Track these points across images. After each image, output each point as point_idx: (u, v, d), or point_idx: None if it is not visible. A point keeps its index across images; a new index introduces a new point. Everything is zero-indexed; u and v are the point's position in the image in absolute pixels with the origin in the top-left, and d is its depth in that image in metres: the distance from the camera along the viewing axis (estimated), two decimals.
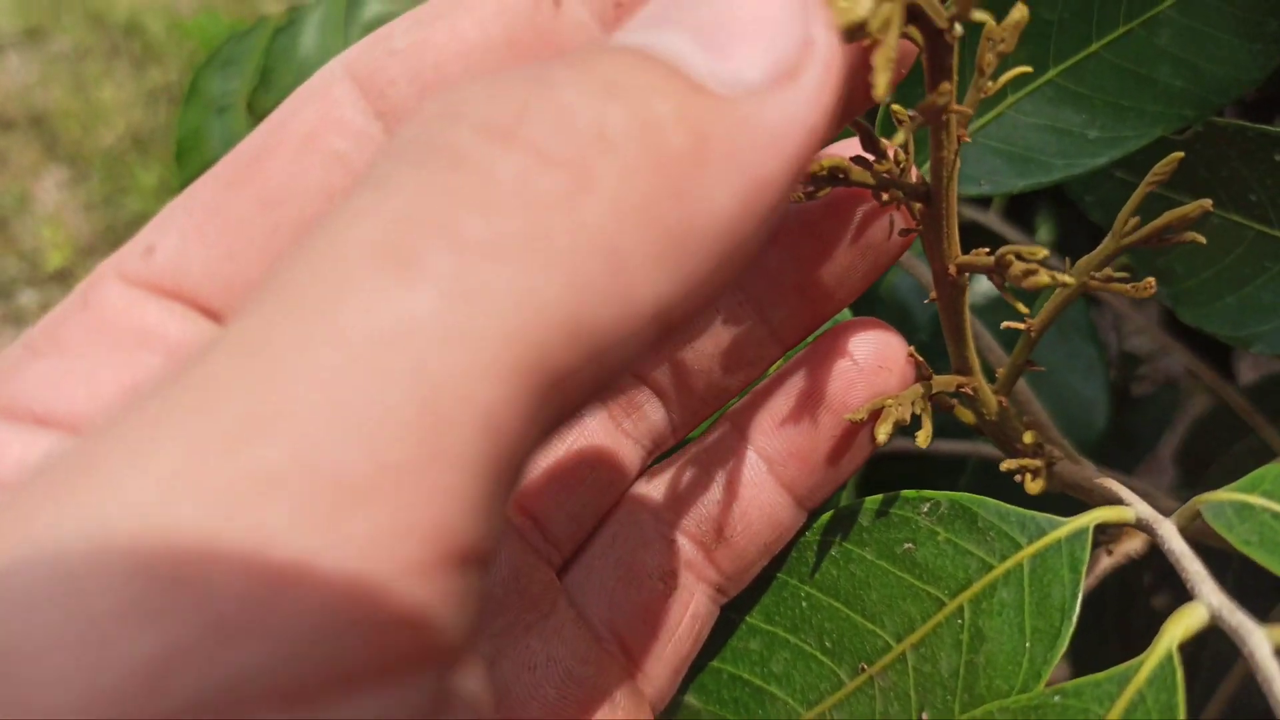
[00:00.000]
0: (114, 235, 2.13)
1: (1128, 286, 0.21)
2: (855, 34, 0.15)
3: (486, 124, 0.12)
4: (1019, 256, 0.18)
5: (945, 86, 0.17)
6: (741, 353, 0.22)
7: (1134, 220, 0.21)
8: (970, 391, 0.24)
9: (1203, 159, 0.30)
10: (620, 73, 0.13)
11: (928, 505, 0.21)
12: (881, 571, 0.21)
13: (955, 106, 0.18)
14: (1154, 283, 0.20)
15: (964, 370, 0.23)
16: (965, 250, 0.21)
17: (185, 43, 2.56)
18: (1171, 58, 0.28)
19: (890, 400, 0.21)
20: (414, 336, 0.11)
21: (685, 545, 0.22)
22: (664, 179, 0.12)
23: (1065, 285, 0.18)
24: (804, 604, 0.22)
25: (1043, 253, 0.18)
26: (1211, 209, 0.19)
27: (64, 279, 2.07)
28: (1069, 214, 0.54)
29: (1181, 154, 0.20)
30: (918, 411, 0.21)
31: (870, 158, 0.20)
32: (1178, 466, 0.56)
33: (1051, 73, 0.29)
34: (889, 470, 0.39)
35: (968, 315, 0.22)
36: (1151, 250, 0.32)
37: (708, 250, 0.13)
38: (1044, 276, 0.18)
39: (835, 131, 0.19)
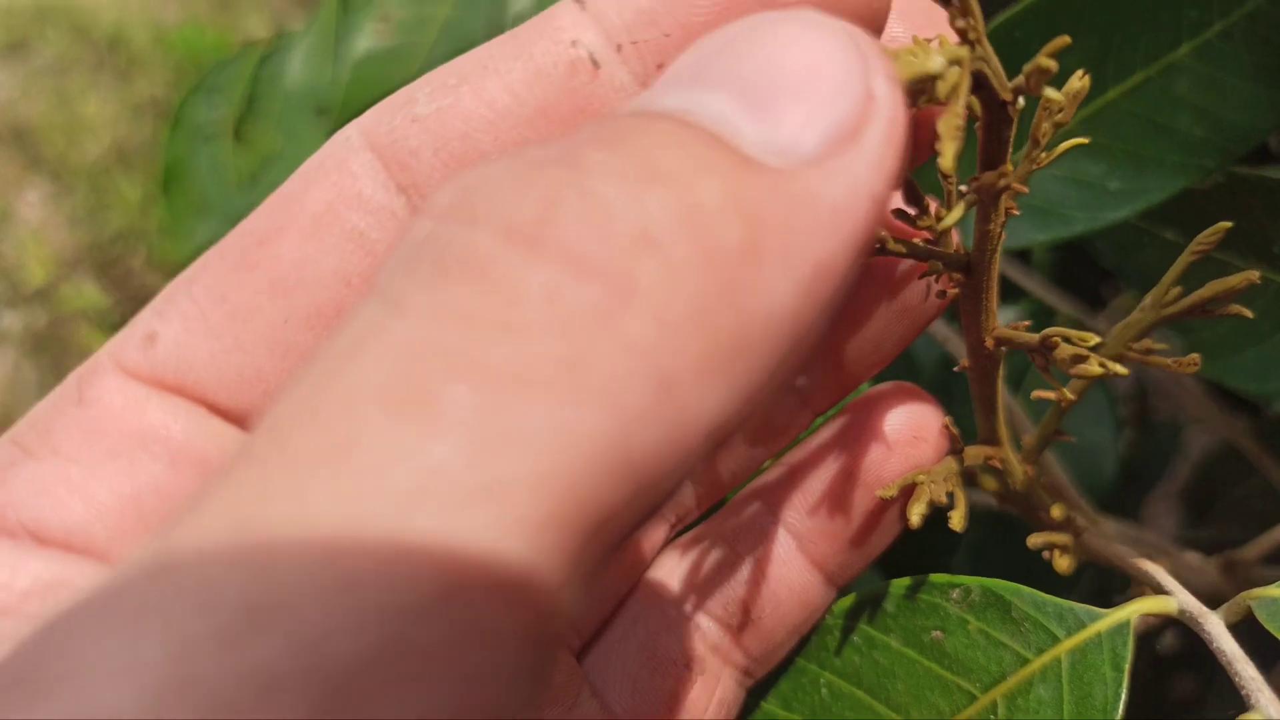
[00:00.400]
0: (98, 251, 2.12)
1: (1170, 361, 0.20)
2: (920, 91, 0.14)
3: (509, 226, 0.11)
4: (1066, 339, 0.17)
5: (1006, 168, 0.16)
6: (770, 422, 0.21)
7: (1176, 290, 0.20)
8: (998, 464, 0.23)
9: (1224, 209, 0.29)
10: (660, 149, 0.11)
11: (958, 591, 0.20)
12: (908, 660, 0.20)
13: (1015, 185, 0.17)
14: (1199, 358, 0.19)
15: (992, 441, 0.23)
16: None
17: (170, 55, 2.55)
18: (1190, 106, 0.28)
19: (923, 476, 0.20)
20: (433, 498, 0.09)
21: (710, 628, 0.21)
22: (716, 279, 0.11)
23: (1118, 375, 0.17)
24: (824, 691, 0.21)
25: (1094, 339, 0.17)
26: (1258, 281, 0.19)
27: (47, 296, 2.05)
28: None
29: (1230, 224, 0.19)
30: (951, 489, 0.20)
31: (912, 212, 0.20)
32: (1184, 504, 0.55)
33: (1070, 122, 0.28)
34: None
35: (1001, 388, 0.21)
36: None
37: (769, 353, 0.11)
38: (1095, 366, 0.17)
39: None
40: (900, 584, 0.21)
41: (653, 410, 0.10)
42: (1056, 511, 0.23)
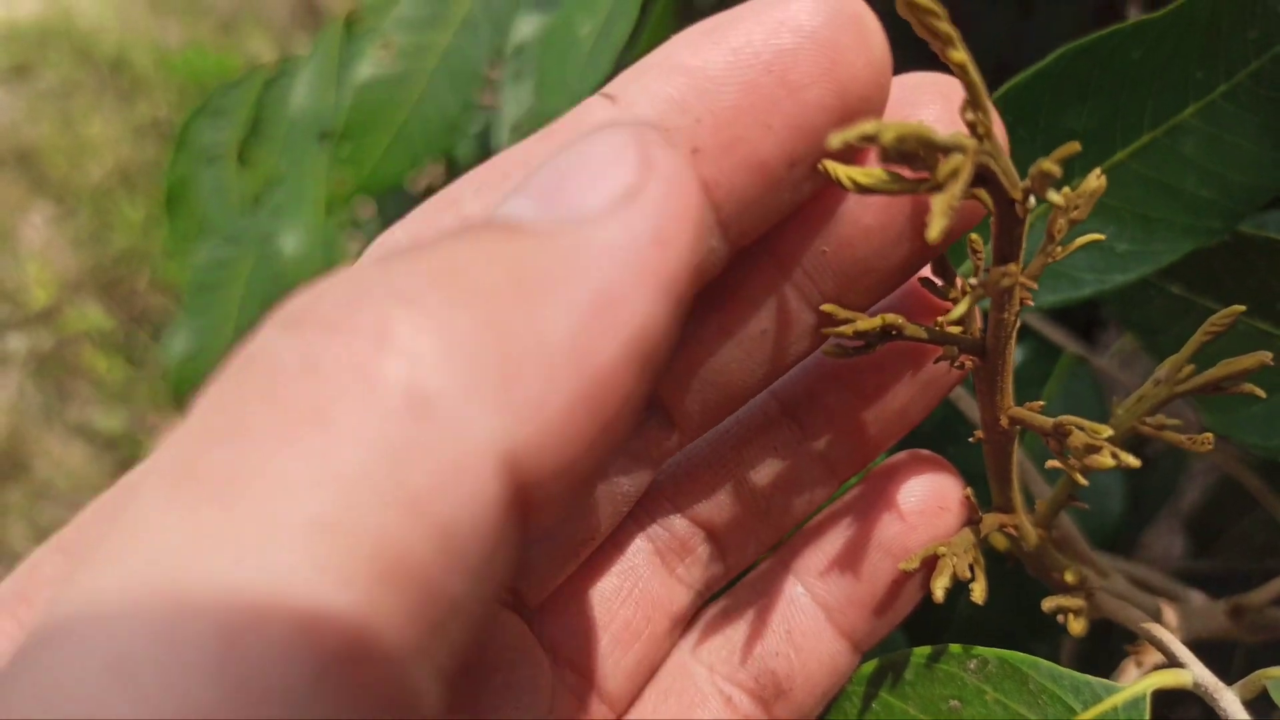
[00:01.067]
0: (101, 272, 2.12)
1: (1184, 438, 0.20)
2: (912, 154, 0.15)
3: (286, 319, 0.12)
4: (1080, 428, 0.18)
5: (1012, 268, 0.17)
6: (797, 489, 0.22)
7: (1189, 368, 0.21)
8: (1013, 530, 0.23)
9: (1230, 268, 0.30)
10: (456, 251, 0.13)
11: (975, 661, 0.21)
12: None
13: (1022, 280, 0.17)
14: (1212, 438, 0.20)
15: (1006, 509, 0.23)
16: None
17: (173, 78, 2.57)
18: (1197, 167, 0.28)
19: (944, 549, 0.21)
20: (221, 548, 0.11)
21: (743, 701, 0.21)
22: (474, 317, 0.12)
23: (1130, 466, 0.18)
24: None
25: (1107, 432, 0.18)
26: (1270, 362, 0.19)
27: (51, 317, 2.03)
28: None
29: (1242, 308, 0.20)
30: (971, 561, 0.21)
31: (939, 283, 0.20)
32: (1188, 535, 0.56)
33: (1078, 182, 0.29)
34: None
35: (1016, 459, 0.22)
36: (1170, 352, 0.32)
37: (550, 377, 0.12)
38: (1107, 457, 0.18)
39: (733, 245, 0.18)
40: (920, 653, 0.21)
41: (415, 437, 0.11)
42: (1070, 577, 0.24)
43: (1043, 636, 0.39)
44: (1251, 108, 0.28)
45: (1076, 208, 0.18)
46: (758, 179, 0.17)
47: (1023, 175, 0.29)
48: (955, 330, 0.20)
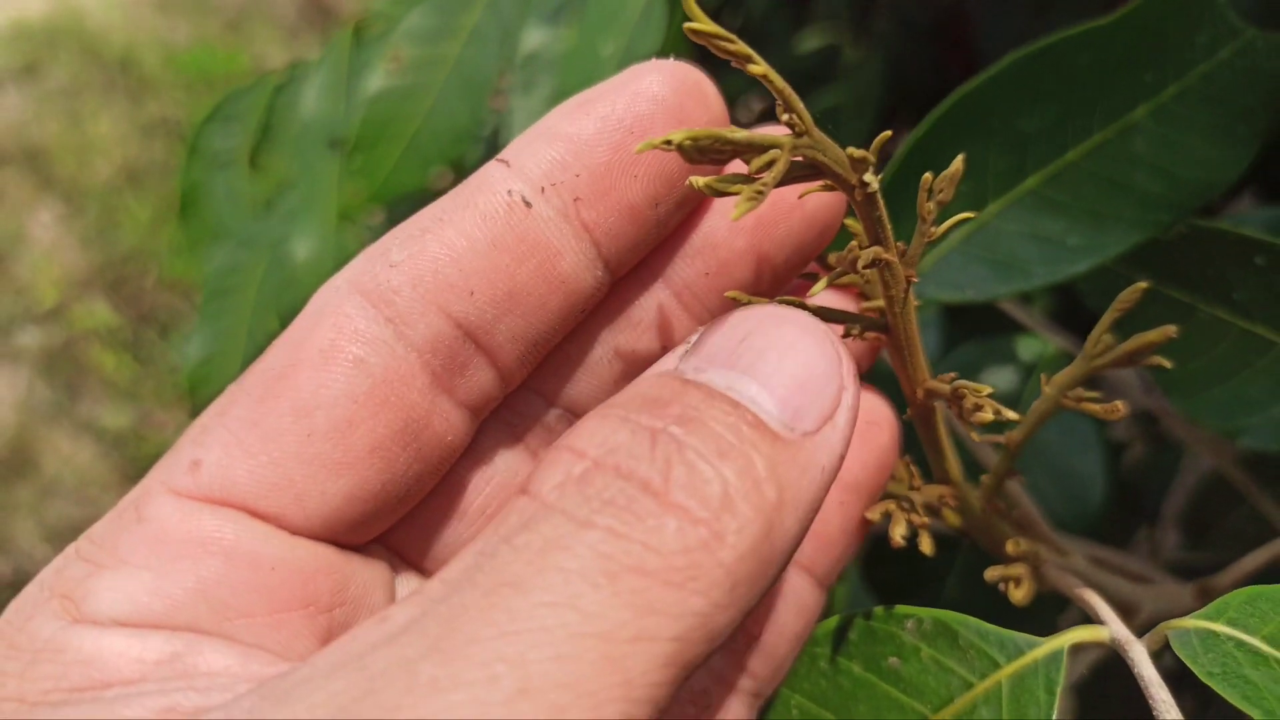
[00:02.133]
0: (109, 270, 2.12)
1: (1099, 408, 0.22)
2: (716, 152, 0.17)
3: (645, 483, 0.17)
4: (971, 391, 0.20)
5: (874, 250, 0.19)
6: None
7: (1105, 343, 0.22)
8: (954, 502, 0.25)
9: (1190, 258, 0.31)
10: (723, 429, 0.17)
11: (912, 621, 0.23)
12: (869, 684, 0.23)
13: (887, 256, 0.19)
14: (1121, 405, 0.22)
15: (944, 480, 0.25)
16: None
17: (180, 76, 2.57)
18: (1147, 164, 0.30)
19: (892, 504, 0.23)
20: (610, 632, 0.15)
21: (715, 660, 0.23)
22: (764, 524, 0.17)
23: (1008, 420, 0.20)
24: (795, 713, 0.24)
25: (987, 390, 0.20)
26: (1175, 335, 0.21)
27: (59, 315, 2.05)
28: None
29: (1145, 285, 0.22)
30: (917, 524, 0.23)
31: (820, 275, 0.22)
32: (1181, 529, 0.57)
33: (1030, 181, 0.30)
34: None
35: (943, 431, 0.24)
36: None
37: (782, 564, 0.18)
38: (988, 413, 0.20)
39: None
40: (864, 615, 0.23)
41: (726, 601, 0.16)
42: (1012, 547, 0.26)
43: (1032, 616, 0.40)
44: (1200, 108, 0.30)
45: (942, 190, 0.20)
46: (629, 218, 0.21)
47: (975, 177, 0.30)
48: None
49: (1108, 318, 0.22)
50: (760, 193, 0.18)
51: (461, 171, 0.82)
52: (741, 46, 0.18)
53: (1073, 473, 0.42)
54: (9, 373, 1.97)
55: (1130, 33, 0.30)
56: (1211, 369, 0.32)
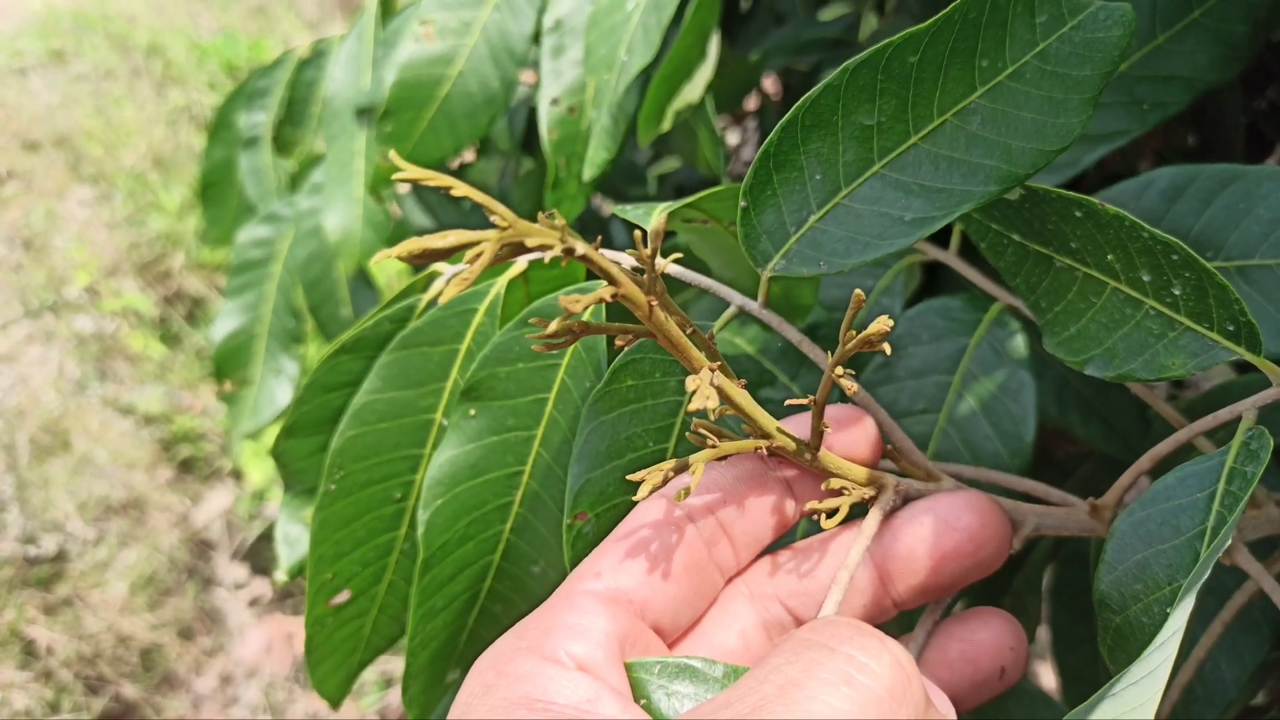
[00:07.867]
0: (137, 254, 2.16)
1: (847, 383, 0.29)
2: (415, 260, 0.24)
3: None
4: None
5: (609, 288, 0.27)
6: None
7: (851, 333, 0.29)
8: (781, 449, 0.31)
9: (1033, 217, 0.36)
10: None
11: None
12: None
13: (621, 291, 0.27)
14: (856, 386, 0.30)
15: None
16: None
17: (205, 64, 2.56)
18: (983, 140, 0.33)
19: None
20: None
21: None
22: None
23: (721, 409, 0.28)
24: None
25: (708, 365, 0.28)
26: (890, 329, 0.28)
27: (89, 298, 2.08)
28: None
29: (890, 321, 0.28)
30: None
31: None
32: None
33: (876, 167, 0.34)
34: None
35: (742, 400, 0.32)
36: (1026, 290, 0.38)
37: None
38: (713, 402, 0.27)
39: None
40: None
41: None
42: (834, 484, 0.32)
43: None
44: (1036, 84, 0.33)
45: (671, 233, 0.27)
46: None
47: (827, 167, 0.36)
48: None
49: (851, 310, 0.28)
50: (465, 277, 0.23)
51: (485, 144, 0.86)
52: (442, 179, 0.24)
53: (1009, 414, 0.45)
54: (41, 354, 2.00)
55: (956, 28, 0.32)
56: (1068, 311, 0.36)
